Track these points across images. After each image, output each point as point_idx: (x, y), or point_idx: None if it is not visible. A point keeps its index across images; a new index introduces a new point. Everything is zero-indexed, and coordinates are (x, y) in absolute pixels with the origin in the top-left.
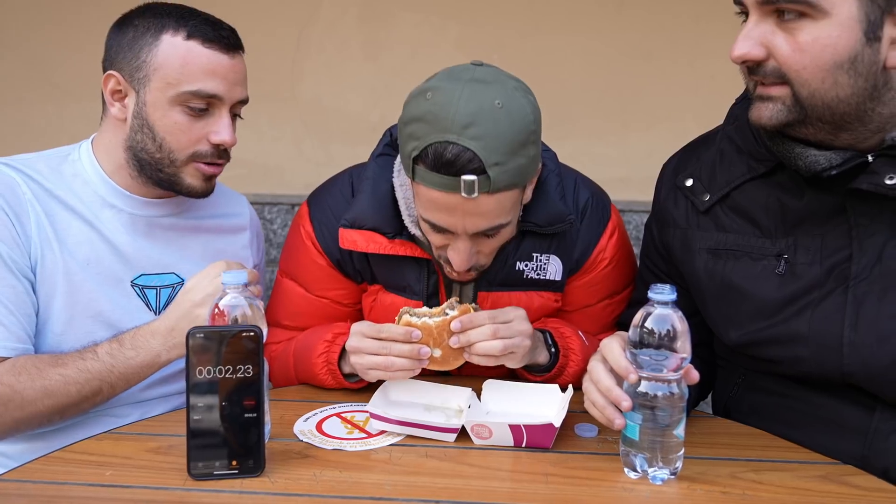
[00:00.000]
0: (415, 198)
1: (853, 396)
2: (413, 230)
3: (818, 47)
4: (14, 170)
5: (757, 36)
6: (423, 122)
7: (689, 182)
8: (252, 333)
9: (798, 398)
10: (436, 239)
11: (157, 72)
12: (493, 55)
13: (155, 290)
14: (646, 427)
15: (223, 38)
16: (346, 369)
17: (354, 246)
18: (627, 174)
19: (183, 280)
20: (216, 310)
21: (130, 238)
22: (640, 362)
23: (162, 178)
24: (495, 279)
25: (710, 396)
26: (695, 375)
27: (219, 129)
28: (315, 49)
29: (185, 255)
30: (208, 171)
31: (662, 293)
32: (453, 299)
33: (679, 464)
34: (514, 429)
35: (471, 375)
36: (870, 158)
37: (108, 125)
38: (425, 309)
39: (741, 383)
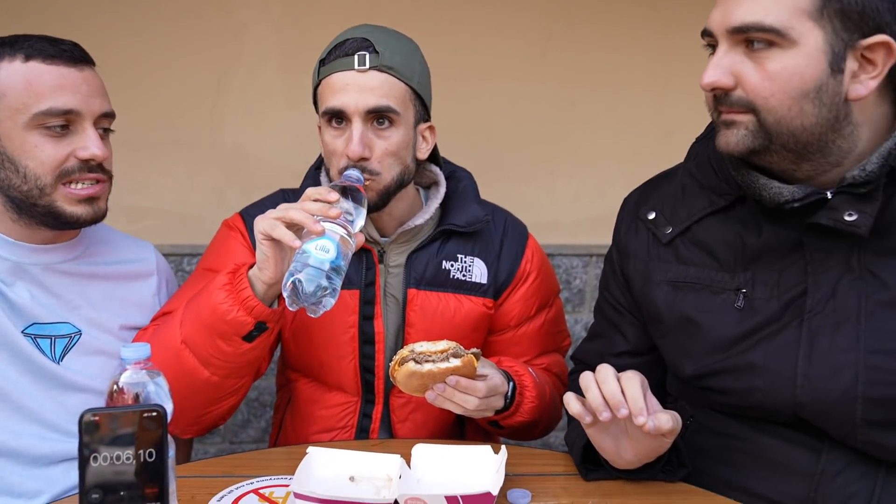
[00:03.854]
0: (319, 108)
1: (801, 437)
2: None
3: (786, 76)
4: None
5: (727, 65)
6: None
7: (652, 215)
8: (155, 413)
9: (745, 439)
10: (335, 141)
11: (2, 101)
12: None
13: (49, 340)
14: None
15: (65, 51)
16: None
17: None
18: (556, 218)
19: (80, 330)
20: (115, 387)
21: (20, 287)
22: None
23: (41, 212)
24: (423, 277)
25: None
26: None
27: (85, 143)
28: (235, 96)
29: (82, 302)
30: (81, 194)
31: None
32: (456, 345)
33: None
34: (451, 500)
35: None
36: (829, 195)
37: None
38: (425, 344)
39: (689, 426)
